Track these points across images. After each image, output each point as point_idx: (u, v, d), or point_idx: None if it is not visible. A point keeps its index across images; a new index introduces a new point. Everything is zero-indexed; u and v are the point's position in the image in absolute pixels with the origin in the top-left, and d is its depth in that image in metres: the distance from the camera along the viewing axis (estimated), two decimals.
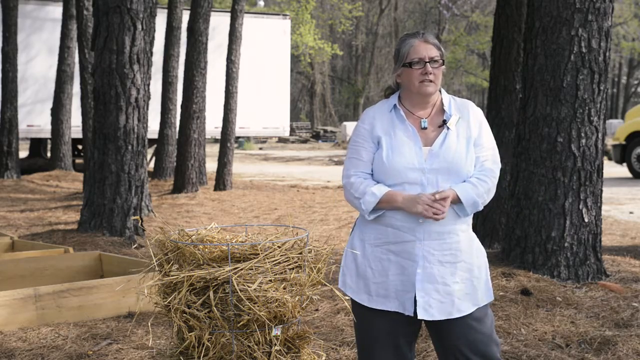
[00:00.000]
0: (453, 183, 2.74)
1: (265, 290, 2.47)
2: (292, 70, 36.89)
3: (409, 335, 2.85)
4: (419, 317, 2.76)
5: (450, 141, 2.76)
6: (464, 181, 2.77)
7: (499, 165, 2.86)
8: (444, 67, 2.82)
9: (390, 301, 2.78)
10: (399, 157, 2.74)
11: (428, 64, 2.76)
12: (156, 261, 2.61)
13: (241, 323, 2.49)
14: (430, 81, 2.77)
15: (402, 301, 2.76)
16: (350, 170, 2.81)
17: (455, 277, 2.76)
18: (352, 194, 2.77)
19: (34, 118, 18.41)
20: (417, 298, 2.75)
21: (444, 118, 2.81)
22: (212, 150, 23.67)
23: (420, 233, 2.73)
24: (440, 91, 2.88)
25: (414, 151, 2.75)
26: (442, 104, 2.86)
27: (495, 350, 2.82)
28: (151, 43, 8.58)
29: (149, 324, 4.66)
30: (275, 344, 2.57)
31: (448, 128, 2.78)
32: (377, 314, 2.80)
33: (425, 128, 2.80)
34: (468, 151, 2.77)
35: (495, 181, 2.82)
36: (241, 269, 2.47)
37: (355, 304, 2.87)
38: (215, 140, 26.26)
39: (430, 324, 2.83)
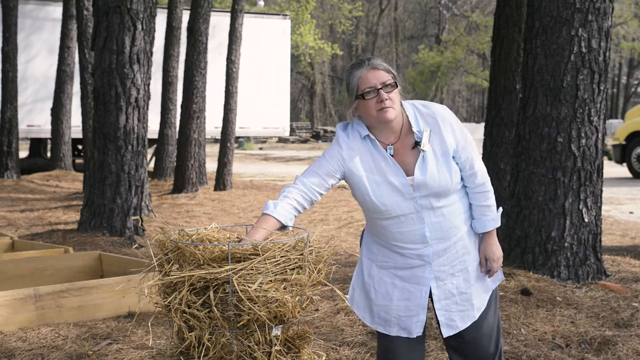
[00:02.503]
0: (445, 201, 2.69)
1: (266, 291, 2.47)
2: (292, 70, 36.88)
3: (419, 350, 2.88)
4: (444, 335, 2.80)
5: (430, 166, 2.66)
6: (476, 203, 2.75)
7: (479, 153, 2.81)
8: (399, 87, 2.67)
9: (391, 326, 2.81)
10: (387, 194, 2.67)
11: (381, 90, 2.63)
12: (156, 261, 2.60)
13: (241, 323, 2.49)
14: (388, 107, 2.63)
15: (404, 325, 2.79)
16: (303, 172, 2.74)
17: (470, 280, 2.78)
18: (283, 189, 2.72)
19: (34, 118, 18.42)
20: (438, 317, 2.78)
21: (415, 139, 2.69)
22: (212, 150, 23.66)
23: (428, 257, 2.72)
24: (403, 107, 2.73)
25: (401, 183, 2.66)
26: (409, 122, 2.71)
27: (497, 339, 2.88)
28: (151, 43, 8.59)
29: (149, 324, 4.66)
30: (275, 344, 2.57)
31: (423, 150, 2.67)
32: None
33: (392, 155, 2.69)
34: (450, 168, 2.68)
35: (487, 176, 2.79)
36: (241, 269, 2.47)
37: None
38: (215, 140, 26.26)
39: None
